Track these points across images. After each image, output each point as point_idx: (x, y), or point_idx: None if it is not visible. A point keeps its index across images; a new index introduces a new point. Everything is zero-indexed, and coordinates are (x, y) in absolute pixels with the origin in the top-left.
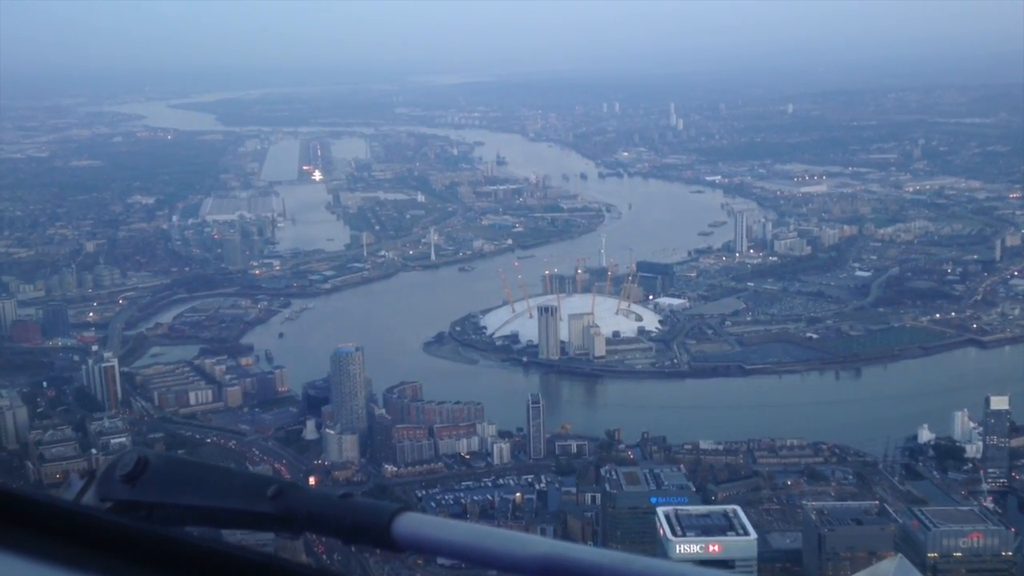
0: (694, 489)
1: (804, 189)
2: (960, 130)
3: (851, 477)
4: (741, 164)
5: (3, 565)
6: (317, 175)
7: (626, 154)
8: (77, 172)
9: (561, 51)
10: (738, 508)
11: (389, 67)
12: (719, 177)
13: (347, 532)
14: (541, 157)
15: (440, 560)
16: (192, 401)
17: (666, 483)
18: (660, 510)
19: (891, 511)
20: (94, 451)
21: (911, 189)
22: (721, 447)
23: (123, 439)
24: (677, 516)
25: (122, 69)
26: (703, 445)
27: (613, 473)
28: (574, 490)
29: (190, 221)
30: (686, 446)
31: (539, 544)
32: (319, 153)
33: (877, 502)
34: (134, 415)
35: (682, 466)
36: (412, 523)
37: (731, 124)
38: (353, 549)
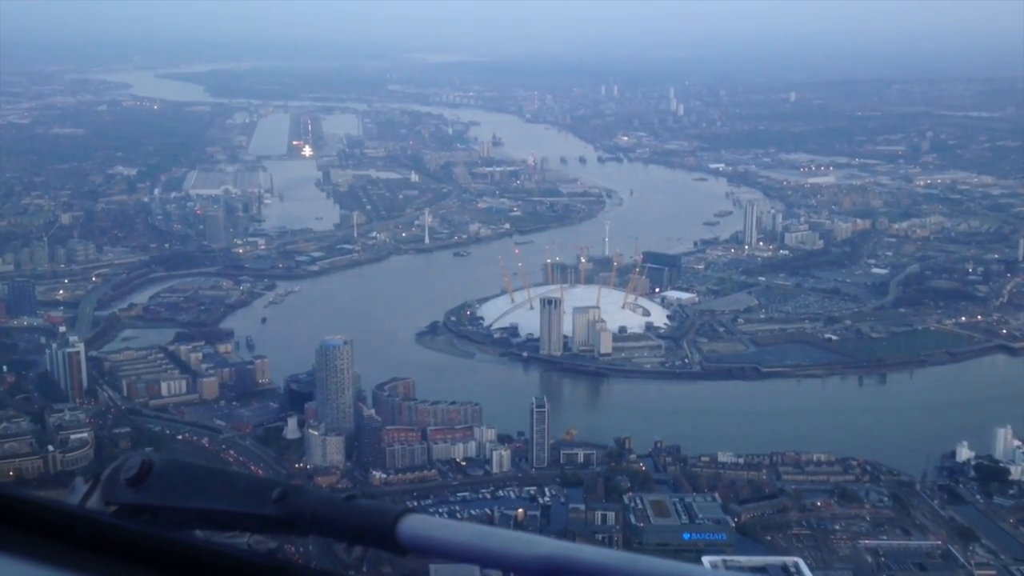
0: (733, 524)
1: (811, 180)
2: (967, 123)
3: (887, 499)
4: (744, 152)
5: (8, 568)
6: (307, 151)
7: (625, 138)
8: (58, 140)
9: (558, 32)
10: (799, 560)
11: (382, 43)
12: (722, 165)
13: (352, 534)
14: (538, 139)
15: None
16: (164, 392)
17: (700, 516)
18: (706, 559)
19: (958, 555)
20: (51, 448)
21: (922, 183)
22: (742, 460)
23: (84, 434)
24: (727, 569)
25: (111, 37)
26: (722, 458)
27: (638, 502)
28: (583, 507)
29: (173, 195)
30: (703, 458)
31: (544, 544)
32: (310, 128)
33: (940, 542)
34: (99, 406)
35: (717, 495)
36: (418, 525)
37: (732, 111)
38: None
